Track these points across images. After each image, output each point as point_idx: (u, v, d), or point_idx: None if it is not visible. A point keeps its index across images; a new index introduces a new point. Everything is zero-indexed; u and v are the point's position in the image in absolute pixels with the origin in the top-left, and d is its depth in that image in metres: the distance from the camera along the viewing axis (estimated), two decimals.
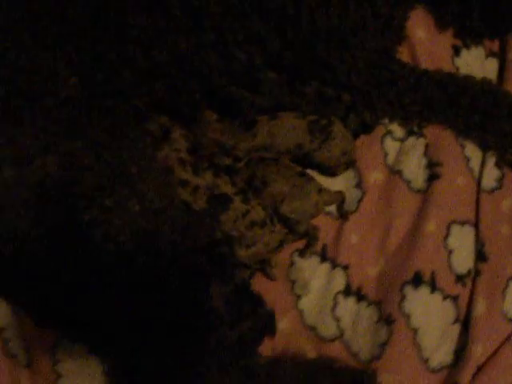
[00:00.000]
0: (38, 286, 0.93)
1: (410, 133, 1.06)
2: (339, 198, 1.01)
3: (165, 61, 0.90)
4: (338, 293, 0.99)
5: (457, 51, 1.09)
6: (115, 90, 0.90)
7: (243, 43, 0.95)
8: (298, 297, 1.00)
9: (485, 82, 1.05)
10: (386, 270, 1.00)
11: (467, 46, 1.10)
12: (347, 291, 0.99)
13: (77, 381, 0.99)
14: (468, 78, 1.04)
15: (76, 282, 0.90)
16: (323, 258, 1.01)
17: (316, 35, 0.98)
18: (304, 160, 1.03)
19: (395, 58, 1.05)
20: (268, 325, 0.93)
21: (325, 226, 1.02)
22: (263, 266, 0.98)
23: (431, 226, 1.00)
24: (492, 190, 1.03)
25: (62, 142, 0.86)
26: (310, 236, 1.00)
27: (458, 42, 1.10)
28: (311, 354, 0.98)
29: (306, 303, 1.00)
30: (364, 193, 1.03)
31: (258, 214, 0.95)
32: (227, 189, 0.96)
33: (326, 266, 1.01)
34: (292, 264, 1.01)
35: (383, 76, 1.02)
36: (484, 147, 1.05)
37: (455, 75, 1.05)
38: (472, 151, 1.05)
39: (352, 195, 1.03)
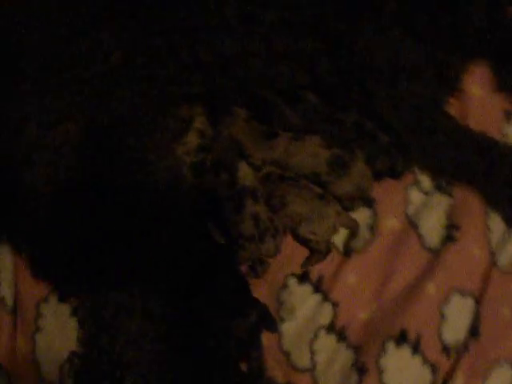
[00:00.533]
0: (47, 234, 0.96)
1: (438, 188, 1.03)
2: (355, 225, 1.00)
3: (208, 59, 0.90)
4: (322, 327, 0.98)
5: (508, 117, 1.05)
6: (154, 74, 0.90)
7: (291, 59, 0.93)
8: (282, 320, 0.99)
9: None
10: (375, 318, 0.98)
11: None
12: (330, 328, 0.98)
13: (53, 339, 1.02)
14: (511, 150, 1.00)
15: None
16: (316, 288, 1.00)
17: (367, 68, 0.95)
18: (320, 187, 1.02)
19: (443, 108, 1.01)
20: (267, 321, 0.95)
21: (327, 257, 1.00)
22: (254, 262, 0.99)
23: (432, 288, 0.97)
24: (505, 269, 0.99)
25: (88, 113, 0.88)
26: (328, 250, 1.00)
27: None
28: (280, 379, 0.98)
29: (287, 328, 0.99)
30: (375, 236, 1.01)
31: (247, 228, 0.95)
32: (222, 191, 0.96)
33: (317, 297, 1.00)
34: (284, 286, 1.01)
35: (425, 124, 0.99)
36: (509, 223, 1.01)
37: (499, 143, 1.01)
38: (495, 223, 1.01)
39: (362, 235, 1.01)
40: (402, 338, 0.95)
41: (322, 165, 1.00)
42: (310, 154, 0.99)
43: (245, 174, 0.98)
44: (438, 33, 0.94)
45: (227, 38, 0.89)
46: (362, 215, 1.02)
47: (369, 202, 1.03)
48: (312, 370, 0.97)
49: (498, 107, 1.05)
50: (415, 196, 1.03)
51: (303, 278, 1.01)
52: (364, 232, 1.02)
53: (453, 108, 1.03)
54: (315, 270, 1.01)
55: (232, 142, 0.99)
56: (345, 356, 0.97)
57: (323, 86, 0.98)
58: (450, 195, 1.03)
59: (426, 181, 1.04)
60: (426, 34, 0.94)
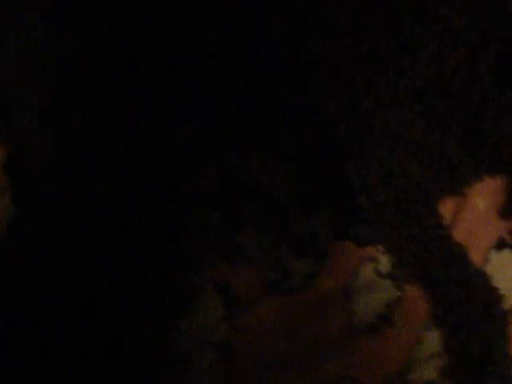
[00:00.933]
0: None
1: (391, 276, 0.97)
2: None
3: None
4: (212, 343, 0.96)
5: (498, 244, 0.96)
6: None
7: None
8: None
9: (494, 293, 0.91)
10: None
11: None
12: (221, 347, 0.96)
13: None
14: (480, 281, 0.91)
15: None
16: (227, 305, 0.98)
17: (370, 130, 0.91)
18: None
19: (431, 203, 0.94)
20: None
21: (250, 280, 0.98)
22: None
23: (328, 366, 0.93)
24: None
25: None
26: None
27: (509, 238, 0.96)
28: None
29: (185, 327, 0.98)
30: (307, 287, 0.97)
31: None
32: None
33: (224, 312, 0.97)
34: (204, 289, 1.00)
35: (404, 209, 0.93)
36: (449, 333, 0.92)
37: (471, 266, 0.92)
38: (429, 338, 0.93)
39: (295, 280, 0.98)
40: None
41: (293, 199, 0.97)
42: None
43: None
44: (459, 130, 0.88)
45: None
46: (305, 261, 0.99)
47: (321, 255, 0.99)
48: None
49: (494, 230, 0.96)
50: (366, 272, 0.98)
51: (224, 288, 1.00)
52: (297, 278, 0.98)
53: (444, 208, 0.96)
54: (242, 290, 0.99)
55: None
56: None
57: (326, 132, 0.95)
58: (400, 289, 0.96)
59: (384, 264, 0.98)
60: (444, 126, 0.88)
